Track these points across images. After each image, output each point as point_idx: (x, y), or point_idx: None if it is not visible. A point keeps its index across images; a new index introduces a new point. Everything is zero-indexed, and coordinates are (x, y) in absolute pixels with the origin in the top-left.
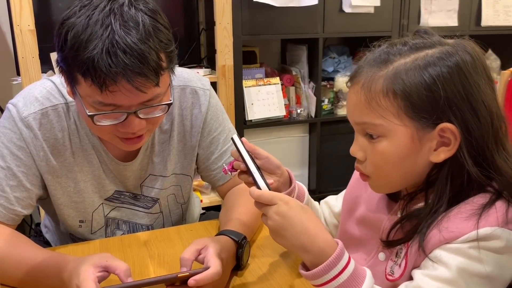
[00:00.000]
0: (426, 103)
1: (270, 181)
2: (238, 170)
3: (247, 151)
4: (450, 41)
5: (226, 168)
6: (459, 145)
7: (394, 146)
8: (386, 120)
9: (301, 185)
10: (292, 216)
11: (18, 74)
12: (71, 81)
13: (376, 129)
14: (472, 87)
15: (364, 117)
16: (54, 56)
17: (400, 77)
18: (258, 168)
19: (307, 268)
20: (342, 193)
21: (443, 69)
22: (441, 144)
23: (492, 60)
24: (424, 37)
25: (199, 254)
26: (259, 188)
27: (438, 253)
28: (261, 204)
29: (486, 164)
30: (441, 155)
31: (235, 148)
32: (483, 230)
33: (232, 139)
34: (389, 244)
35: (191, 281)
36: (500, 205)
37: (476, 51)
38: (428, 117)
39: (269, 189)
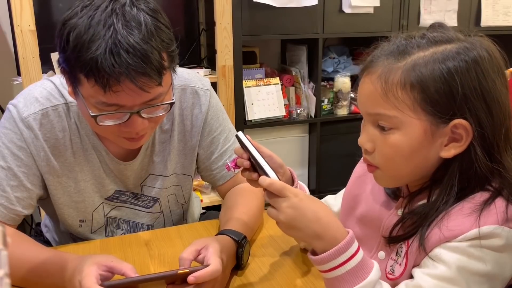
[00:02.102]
0: (443, 97)
1: None
2: (242, 167)
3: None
4: (466, 37)
5: (230, 165)
6: (471, 141)
7: (406, 139)
8: (401, 112)
9: (302, 185)
10: (304, 207)
11: (19, 74)
12: (73, 82)
13: (389, 121)
14: (488, 83)
15: (379, 108)
16: (54, 56)
17: (419, 70)
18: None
19: (316, 254)
20: (341, 192)
21: (461, 63)
22: (452, 140)
23: None
24: (440, 31)
25: (199, 254)
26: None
27: (438, 251)
28: (272, 195)
29: (495, 162)
30: (452, 150)
31: (238, 146)
32: (484, 229)
33: (237, 136)
34: (391, 240)
35: (190, 278)
36: (500, 204)
37: (493, 49)
38: (443, 112)
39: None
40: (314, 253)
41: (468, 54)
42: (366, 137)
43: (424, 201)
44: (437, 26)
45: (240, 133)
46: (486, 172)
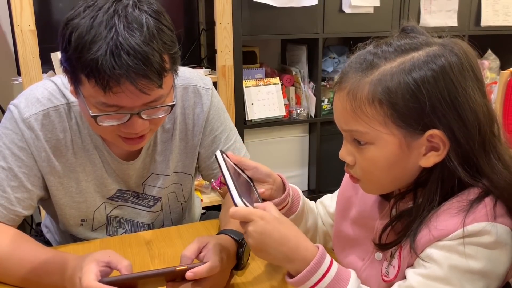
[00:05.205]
0: (413, 111)
1: (261, 190)
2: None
3: (235, 165)
4: (438, 40)
5: (215, 184)
6: (448, 150)
7: (382, 153)
8: (372, 128)
9: (295, 188)
10: (270, 230)
11: (19, 74)
12: (75, 82)
13: (363, 137)
14: (458, 92)
15: (351, 125)
16: (54, 56)
17: (386, 85)
18: (251, 179)
19: (292, 276)
20: (336, 193)
21: (428, 73)
22: (430, 149)
23: (492, 60)
24: (411, 36)
25: (200, 252)
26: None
27: (429, 251)
28: (242, 223)
29: (474, 171)
30: (431, 159)
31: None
32: (473, 226)
33: (215, 155)
34: (382, 247)
35: (188, 274)
36: (489, 200)
37: (464, 51)
38: (415, 125)
39: (246, 205)
40: (290, 275)
41: (436, 62)
42: (346, 151)
43: (412, 203)
44: (409, 30)
45: (217, 153)
46: (468, 179)
